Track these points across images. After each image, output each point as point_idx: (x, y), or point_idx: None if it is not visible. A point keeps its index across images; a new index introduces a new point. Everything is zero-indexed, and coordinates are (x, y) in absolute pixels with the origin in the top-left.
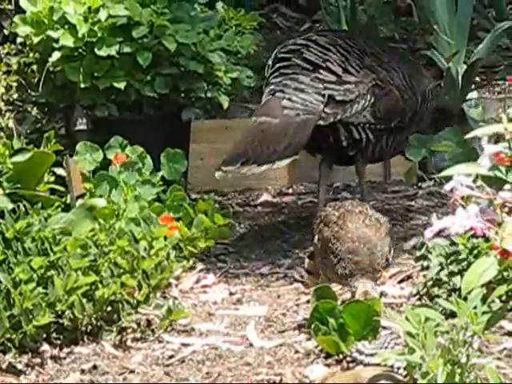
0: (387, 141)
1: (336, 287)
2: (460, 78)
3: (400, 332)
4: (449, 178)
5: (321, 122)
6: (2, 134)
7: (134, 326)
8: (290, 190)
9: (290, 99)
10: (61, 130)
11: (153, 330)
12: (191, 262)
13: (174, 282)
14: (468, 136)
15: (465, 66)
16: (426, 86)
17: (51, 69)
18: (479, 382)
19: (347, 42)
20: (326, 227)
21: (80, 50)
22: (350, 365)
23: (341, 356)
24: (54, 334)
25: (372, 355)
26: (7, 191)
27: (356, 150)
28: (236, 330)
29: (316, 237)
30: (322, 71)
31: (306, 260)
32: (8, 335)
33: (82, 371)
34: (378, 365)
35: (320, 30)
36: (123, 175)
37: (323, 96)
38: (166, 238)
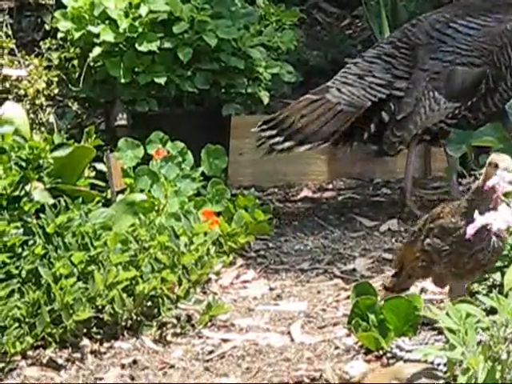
0: (491, 100)
1: (377, 283)
2: None
3: (440, 328)
4: None
5: (400, 146)
6: (43, 128)
7: (174, 321)
8: (330, 186)
9: (338, 89)
10: (101, 125)
11: (193, 326)
12: (231, 257)
13: (213, 278)
14: None
15: None
16: (500, 30)
17: (92, 64)
18: None
19: (397, 44)
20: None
21: (121, 46)
22: (390, 361)
23: (381, 352)
24: (94, 329)
25: (412, 351)
26: (48, 186)
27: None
28: (276, 326)
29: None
30: (367, 78)
31: (389, 278)
32: (48, 330)
33: (122, 366)
34: (419, 361)
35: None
36: (163, 170)
37: (373, 96)
38: (206, 234)
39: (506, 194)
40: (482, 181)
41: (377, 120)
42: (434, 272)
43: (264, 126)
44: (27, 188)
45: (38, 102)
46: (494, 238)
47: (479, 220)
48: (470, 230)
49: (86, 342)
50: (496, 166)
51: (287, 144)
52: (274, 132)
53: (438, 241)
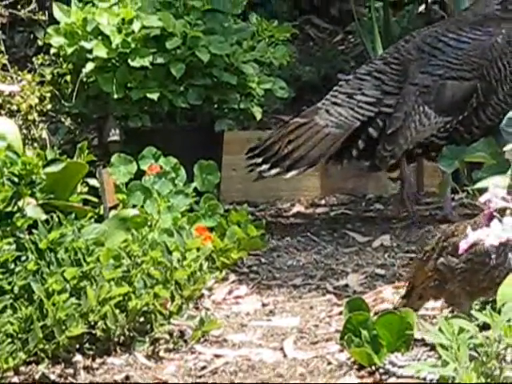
0: (483, 114)
1: (369, 299)
2: None
3: (434, 344)
4: (482, 190)
5: (391, 160)
6: (36, 144)
7: (167, 336)
8: (323, 201)
9: (327, 111)
10: (94, 140)
11: (185, 341)
12: (224, 273)
13: (206, 293)
14: (505, 148)
15: None
16: (490, 43)
17: (84, 79)
18: None
19: (389, 60)
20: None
21: (113, 61)
22: (383, 377)
23: (373, 368)
24: (86, 345)
25: (405, 367)
26: (40, 202)
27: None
28: (268, 342)
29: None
30: (356, 97)
31: (399, 300)
32: (41, 345)
33: (115, 382)
34: (411, 377)
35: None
36: (156, 185)
37: (362, 115)
38: (198, 249)
39: (499, 210)
40: None
41: (364, 136)
42: (447, 291)
43: (250, 154)
44: (20, 204)
45: (30, 117)
46: (510, 255)
47: (472, 236)
48: (463, 245)
49: (78, 357)
50: None
51: (273, 171)
52: (259, 160)
53: (453, 258)
